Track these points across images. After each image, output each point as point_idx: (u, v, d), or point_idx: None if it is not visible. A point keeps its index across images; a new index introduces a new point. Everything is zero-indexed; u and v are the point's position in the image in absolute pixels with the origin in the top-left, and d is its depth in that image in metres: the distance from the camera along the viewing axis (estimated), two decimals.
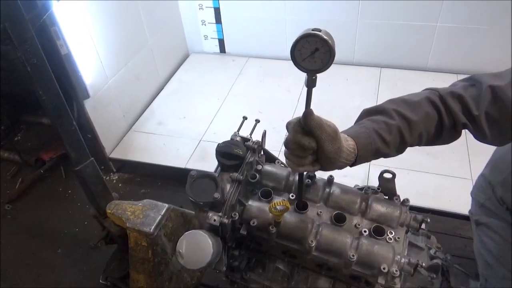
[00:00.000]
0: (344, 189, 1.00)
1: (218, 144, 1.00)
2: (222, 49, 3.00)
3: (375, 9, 2.54)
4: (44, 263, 1.95)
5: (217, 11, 2.79)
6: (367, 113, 0.96)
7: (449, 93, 0.95)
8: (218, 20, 2.84)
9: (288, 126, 0.82)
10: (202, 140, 2.31)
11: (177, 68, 2.94)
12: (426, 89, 1.02)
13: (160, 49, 2.72)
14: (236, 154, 0.98)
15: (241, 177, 0.96)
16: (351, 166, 0.88)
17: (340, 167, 0.86)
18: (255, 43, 2.88)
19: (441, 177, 2.02)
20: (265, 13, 2.65)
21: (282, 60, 2.79)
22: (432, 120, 0.92)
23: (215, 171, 1.01)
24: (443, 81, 2.54)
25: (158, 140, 2.36)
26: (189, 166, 2.14)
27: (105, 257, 1.65)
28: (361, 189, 1.04)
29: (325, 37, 0.69)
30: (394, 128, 0.90)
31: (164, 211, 1.40)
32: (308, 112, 0.78)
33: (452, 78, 2.54)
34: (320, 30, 0.70)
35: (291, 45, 0.73)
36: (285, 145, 0.82)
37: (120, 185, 2.28)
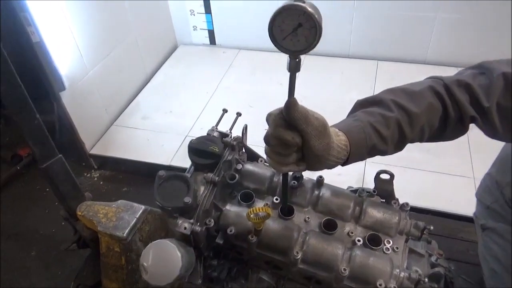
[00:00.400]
0: (336, 192, 0.87)
1: (191, 140, 0.88)
2: (212, 41, 2.87)
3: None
4: (16, 266, 1.82)
5: (206, 0, 2.65)
6: (361, 105, 0.85)
7: (455, 81, 0.84)
8: (207, 9, 2.70)
9: (268, 118, 0.70)
10: (188, 135, 2.18)
11: (164, 60, 2.80)
12: (429, 77, 0.91)
13: (146, 40, 2.59)
14: (211, 152, 0.86)
15: (217, 178, 0.84)
16: (342, 165, 0.77)
17: (330, 167, 0.74)
18: (246, 35, 2.75)
19: (441, 175, 1.91)
20: (257, 3, 2.51)
21: (275, 52, 2.62)
22: (435, 112, 0.81)
23: (188, 171, 0.89)
24: (444, 75, 2.42)
25: (142, 135, 2.23)
26: (173, 163, 2.01)
27: (81, 261, 1.53)
28: (354, 191, 0.92)
29: (309, 9, 0.57)
30: (392, 121, 0.78)
31: (140, 213, 1.27)
32: (291, 102, 0.66)
33: (453, 72, 2.42)
34: (303, 2, 0.58)
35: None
36: (265, 141, 0.70)
37: (101, 183, 2.15)
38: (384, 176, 0.88)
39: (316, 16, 0.57)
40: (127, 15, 2.36)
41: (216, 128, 0.95)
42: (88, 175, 2.19)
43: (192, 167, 0.89)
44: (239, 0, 2.58)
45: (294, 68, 0.63)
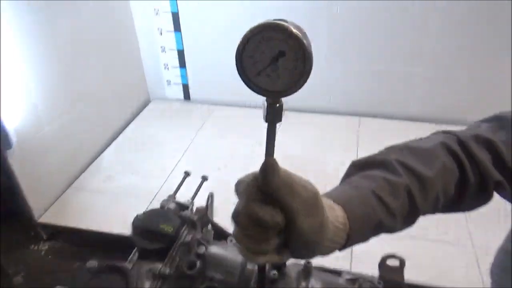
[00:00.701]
0: (329, 284, 0.65)
1: (136, 216, 0.66)
2: (187, 96, 2.73)
3: (351, 54, 2.36)
4: None
5: (181, 54, 2.55)
6: (359, 166, 0.66)
7: (472, 137, 0.67)
8: (182, 63, 2.59)
9: (238, 187, 0.50)
10: (154, 199, 1.93)
11: (135, 115, 2.62)
12: (438, 132, 0.74)
13: (116, 94, 2.42)
14: (163, 232, 0.63)
15: (168, 269, 0.61)
16: (340, 250, 0.56)
17: (324, 253, 0.53)
18: (223, 89, 2.63)
19: (432, 243, 1.69)
20: (234, 57, 2.41)
21: (253, 108, 2.53)
22: (451, 176, 0.64)
23: (131, 258, 0.66)
24: (428, 132, 2.32)
25: (102, 200, 1.97)
26: None
27: None
28: (353, 280, 0.70)
29: (295, 31, 0.39)
30: (401, 188, 0.60)
31: None
32: (269, 164, 0.46)
33: (438, 129, 2.33)
34: (286, 21, 0.40)
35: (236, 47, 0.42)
36: (233, 220, 0.49)
37: (49, 257, 1.84)
38: (392, 263, 0.67)
39: (304, 41, 0.39)
40: (95, 66, 2.21)
41: (174, 198, 0.73)
42: (35, 247, 1.88)
43: (137, 253, 0.65)
44: (215, 54, 2.48)
45: (273, 115, 0.44)
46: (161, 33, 2.50)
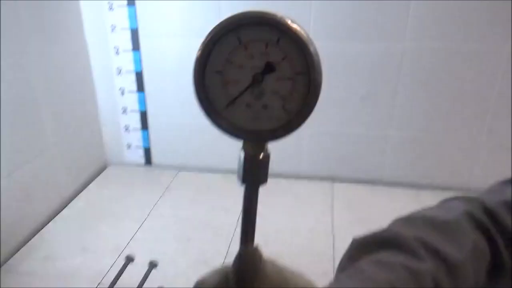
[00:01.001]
0: None
1: None
2: (148, 160, 2.53)
3: (322, 116, 2.29)
4: None
5: (143, 115, 2.39)
6: (366, 247, 0.49)
7: (501, 204, 0.53)
8: (144, 125, 2.42)
9: None
10: (101, 283, 1.63)
11: (88, 182, 2.37)
12: (454, 198, 0.58)
13: (68, 158, 2.19)
14: None
15: None
16: None
17: None
18: (187, 154, 2.46)
19: None
20: (199, 119, 2.28)
21: (220, 174, 2.36)
22: (483, 258, 0.49)
23: None
24: (406, 198, 2.21)
25: (38, 285, 1.65)
26: None
27: None
28: None
29: (294, 26, 0.23)
30: (427, 279, 0.43)
31: None
32: (249, 255, 0.27)
33: (414, 194, 2.23)
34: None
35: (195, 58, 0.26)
36: None
37: None
38: None
39: (308, 43, 0.23)
40: (45, 128, 1.99)
41: None
42: None
43: None
44: (180, 115, 2.35)
45: (253, 175, 0.26)
46: (122, 93, 2.36)
